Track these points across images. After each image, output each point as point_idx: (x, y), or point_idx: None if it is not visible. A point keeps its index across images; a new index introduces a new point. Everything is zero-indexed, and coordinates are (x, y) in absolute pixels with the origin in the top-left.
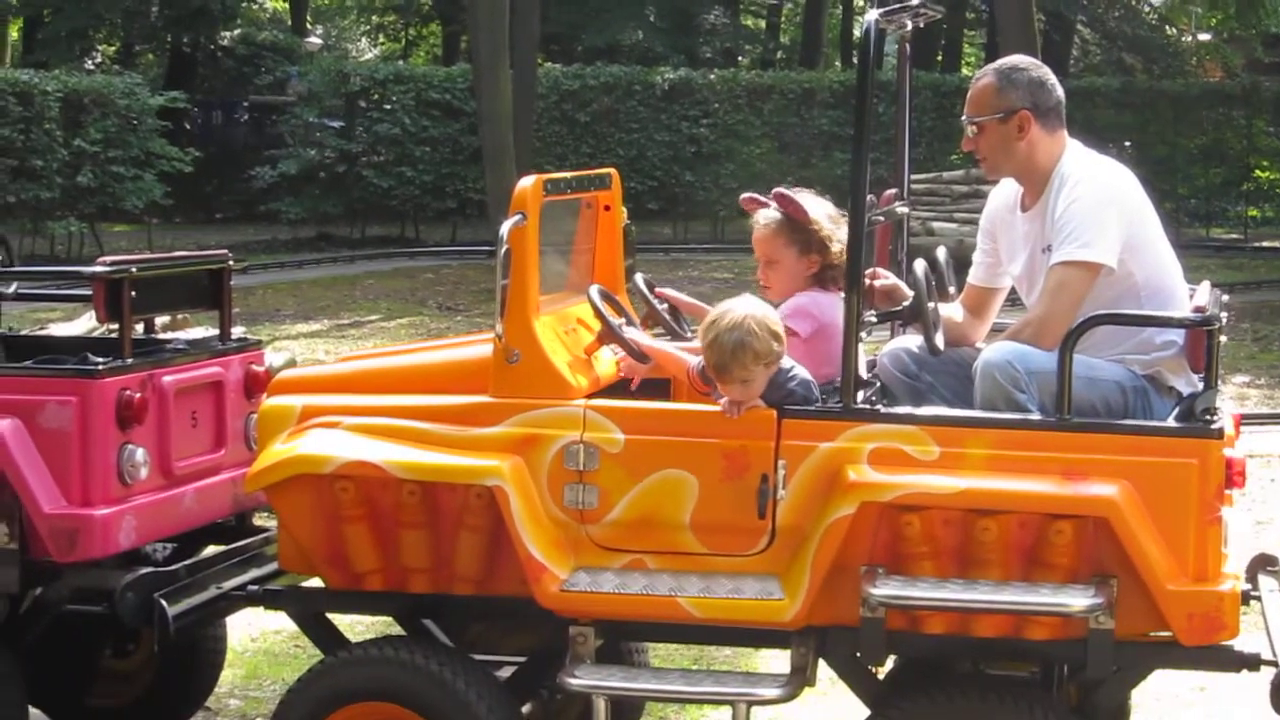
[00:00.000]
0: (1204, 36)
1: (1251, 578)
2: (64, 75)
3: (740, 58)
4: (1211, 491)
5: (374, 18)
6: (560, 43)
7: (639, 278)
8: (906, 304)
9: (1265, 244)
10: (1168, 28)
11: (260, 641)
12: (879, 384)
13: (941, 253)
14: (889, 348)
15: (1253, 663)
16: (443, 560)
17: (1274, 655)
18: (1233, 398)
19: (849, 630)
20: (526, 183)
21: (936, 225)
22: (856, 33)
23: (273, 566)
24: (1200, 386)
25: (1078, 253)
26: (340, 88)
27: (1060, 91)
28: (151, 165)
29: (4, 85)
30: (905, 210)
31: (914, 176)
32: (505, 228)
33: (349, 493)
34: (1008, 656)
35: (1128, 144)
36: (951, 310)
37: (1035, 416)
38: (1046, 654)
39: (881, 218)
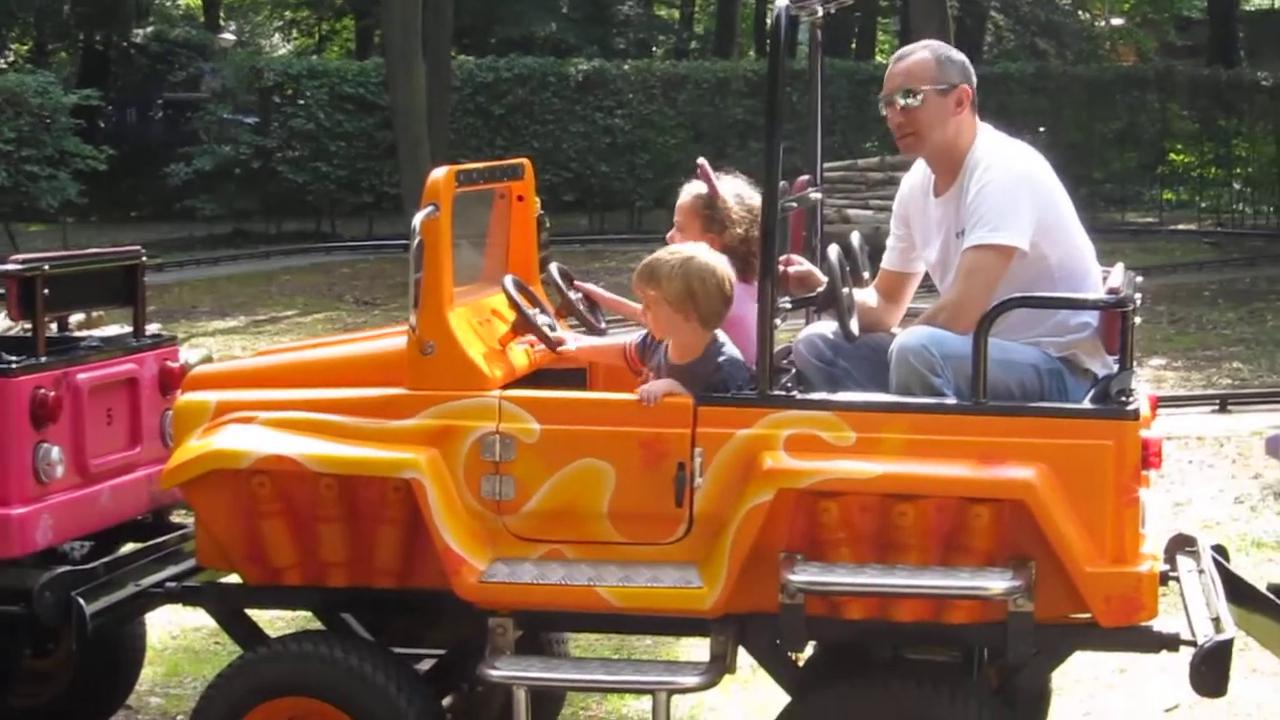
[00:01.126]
0: (1117, 21)
1: (1170, 559)
2: None
3: (654, 48)
4: (1128, 473)
5: (287, 13)
6: (474, 35)
7: (554, 267)
8: (820, 290)
9: (1180, 227)
10: (1081, 12)
11: (180, 639)
12: (794, 370)
13: (856, 238)
14: (804, 334)
15: (1172, 643)
16: (361, 554)
17: (1193, 635)
18: (1149, 380)
19: (768, 617)
20: (439, 174)
21: (852, 212)
22: (769, 22)
23: (191, 563)
24: (1115, 368)
25: (990, 236)
26: (254, 83)
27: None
28: (66, 164)
29: None
30: (819, 197)
31: (828, 164)
32: (418, 219)
33: (265, 488)
34: (928, 641)
35: (1042, 129)
36: (866, 295)
37: (951, 401)
38: (966, 638)
39: (795, 204)
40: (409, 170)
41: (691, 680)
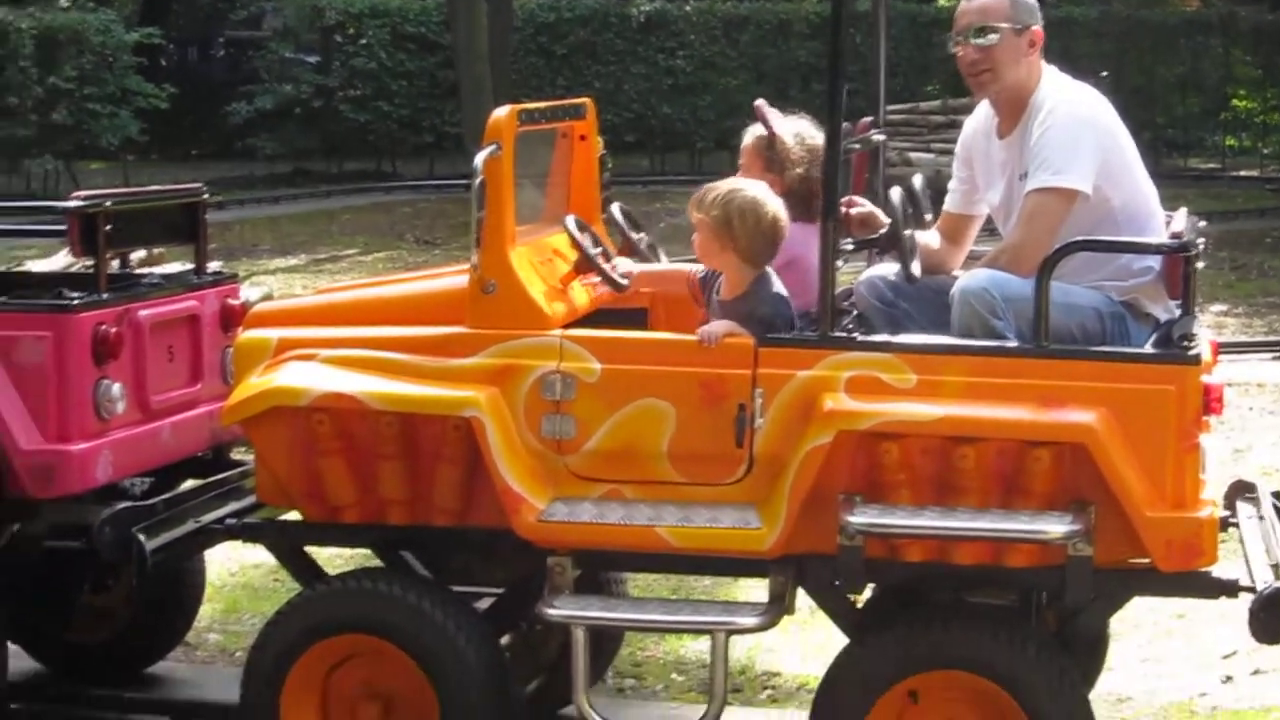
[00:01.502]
0: None
1: (1230, 504)
2: (38, 12)
3: None
4: (1189, 418)
5: None
6: None
7: (616, 207)
8: (882, 231)
9: (1242, 173)
10: None
11: (239, 576)
12: (856, 312)
13: (918, 181)
14: (866, 275)
15: (1231, 589)
16: (420, 492)
17: (1251, 582)
18: (1210, 326)
19: (827, 559)
20: (501, 113)
21: (914, 155)
22: None
23: (251, 500)
24: (1178, 313)
25: (1053, 179)
26: (315, 22)
27: None
28: (127, 102)
29: None
30: (881, 139)
31: (890, 107)
32: (480, 158)
33: (325, 425)
34: (987, 584)
35: (1105, 74)
36: (928, 238)
37: (1012, 344)
38: (1025, 582)
39: (857, 146)
40: (470, 110)
41: (750, 621)
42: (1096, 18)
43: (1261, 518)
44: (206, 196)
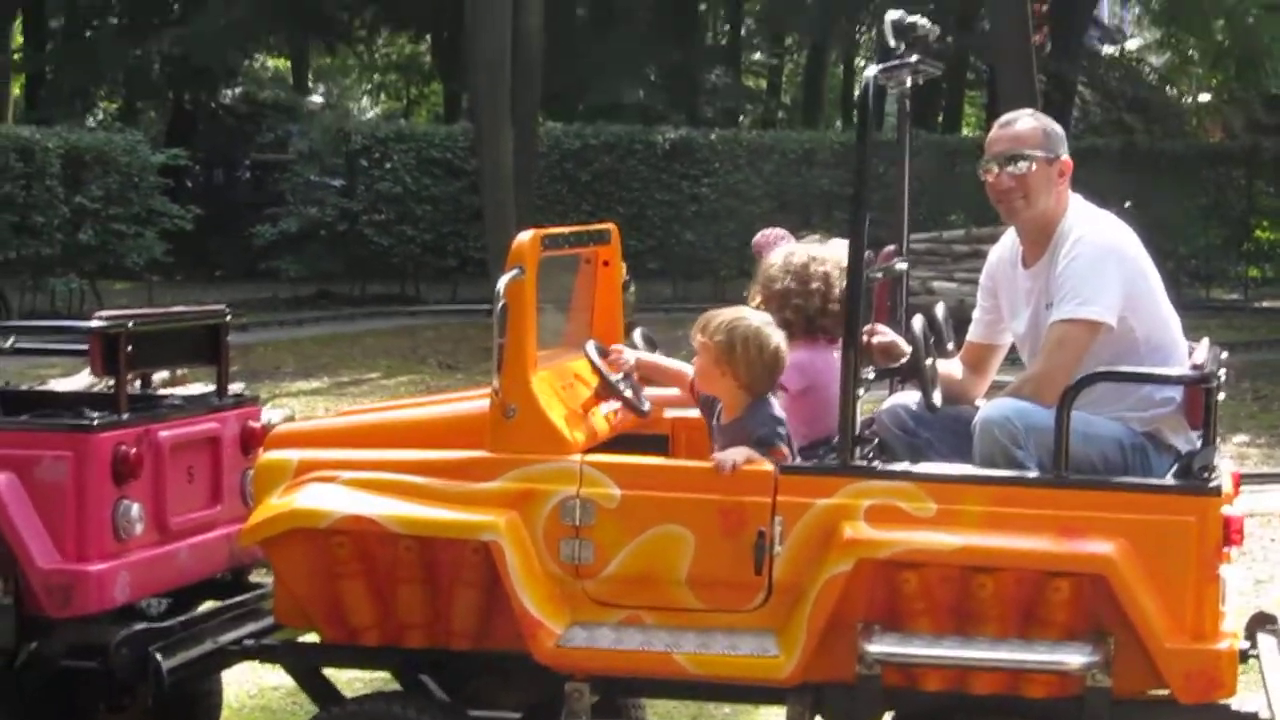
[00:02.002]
0: (1204, 97)
1: (1250, 636)
2: (65, 132)
3: (741, 117)
4: (1210, 549)
5: (375, 76)
6: (561, 101)
7: (638, 333)
8: (904, 360)
9: (1265, 304)
10: (1168, 88)
11: (258, 698)
12: (877, 440)
13: (940, 310)
14: (888, 404)
15: None
16: (439, 615)
17: (1271, 714)
18: (1233, 456)
19: (845, 687)
20: (524, 237)
21: (937, 284)
22: (857, 91)
23: (269, 621)
24: (1199, 444)
25: (1079, 310)
26: (341, 146)
27: None
28: (152, 223)
29: (6, 141)
30: (904, 267)
31: (914, 235)
32: (503, 282)
33: (345, 548)
34: (1005, 714)
35: (1128, 204)
36: (951, 367)
37: (1033, 474)
38: (1044, 712)
39: (880, 274)
40: (495, 234)
41: None
42: (1119, 148)
43: None
44: (229, 318)
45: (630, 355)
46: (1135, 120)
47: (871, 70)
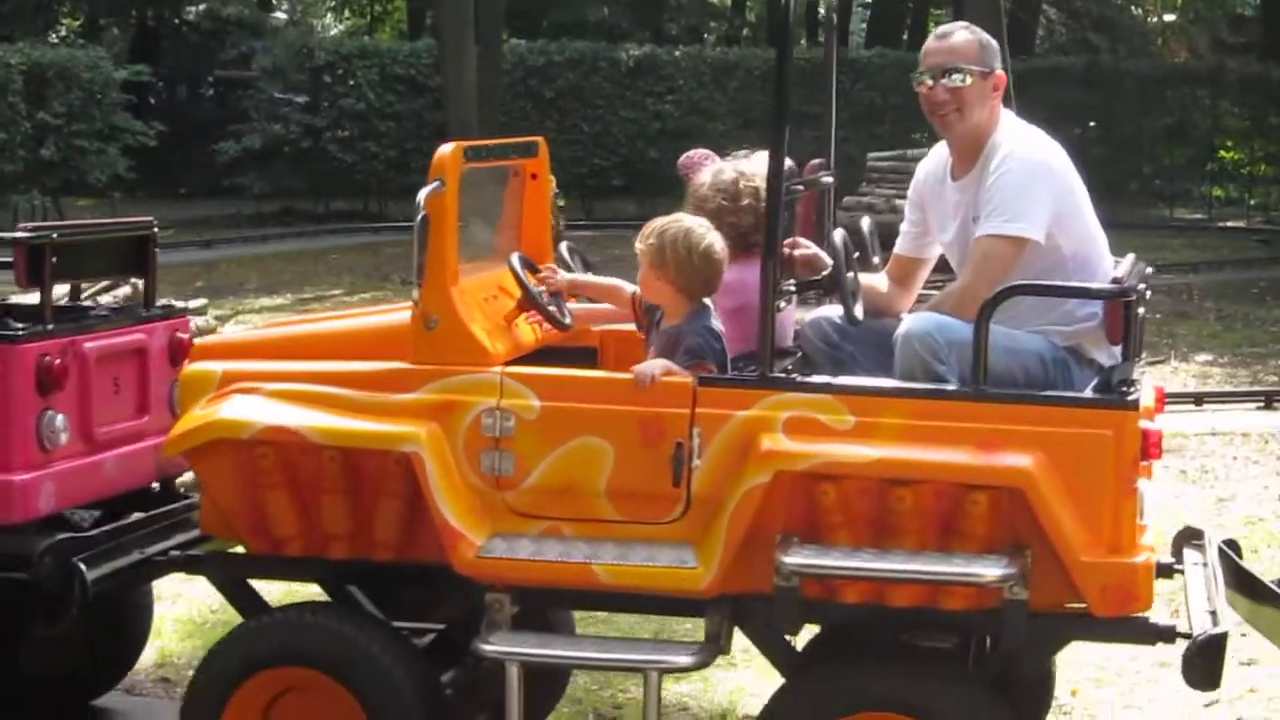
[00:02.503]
0: (1169, 17)
1: (1177, 551)
2: (28, 48)
3: (706, 34)
4: (1127, 463)
5: None
6: (526, 18)
7: (564, 246)
8: (825, 273)
9: (1229, 224)
10: (1134, 8)
11: (187, 609)
12: (800, 353)
13: (866, 223)
14: (811, 317)
15: (1168, 635)
16: (362, 526)
17: (1190, 628)
18: (1196, 375)
19: (764, 599)
20: (446, 149)
21: (899, 202)
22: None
23: (197, 533)
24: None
25: (1004, 226)
26: (305, 62)
27: None
28: (115, 139)
29: None
30: (830, 181)
31: (878, 154)
32: (423, 194)
33: (269, 459)
34: (924, 626)
35: (1093, 124)
36: (877, 280)
37: (951, 387)
38: (962, 624)
39: (801, 187)
40: None
41: (684, 659)
42: (1084, 67)
43: (1206, 565)
44: (156, 231)
45: (563, 275)
46: (1100, 40)
47: None
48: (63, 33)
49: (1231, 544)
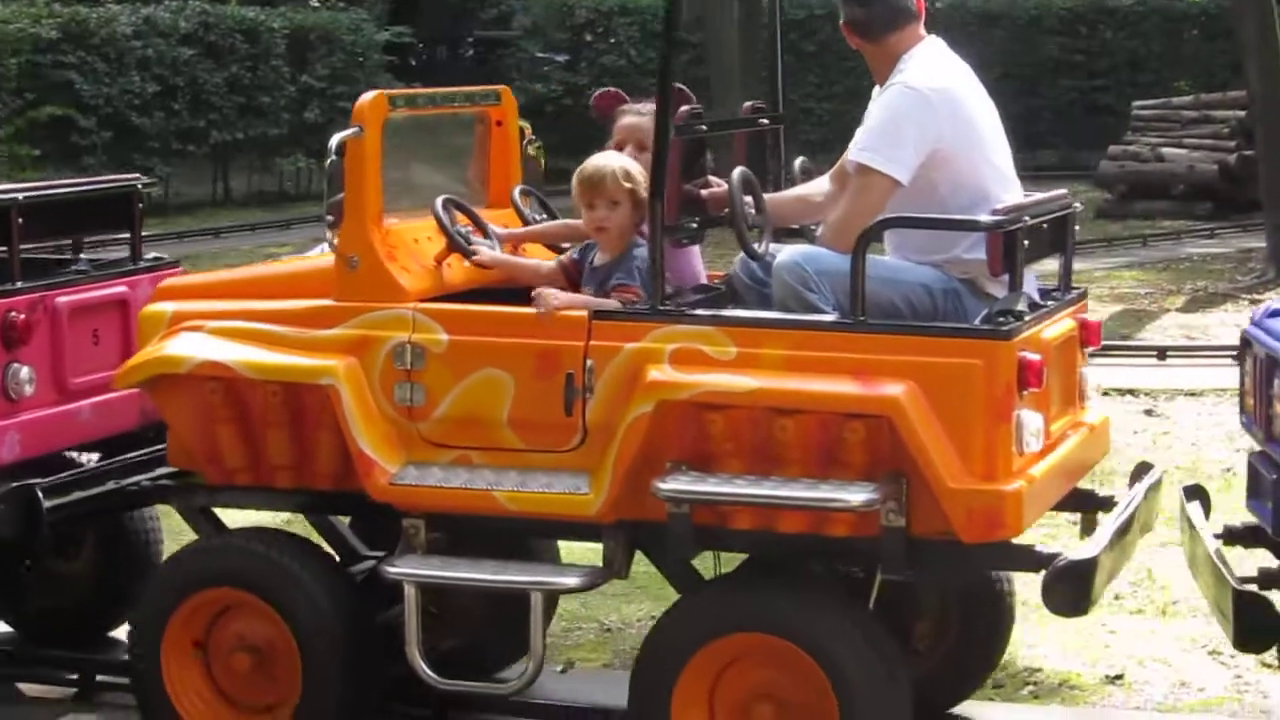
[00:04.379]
0: None
1: (1132, 484)
2: (290, 12)
3: None
4: (999, 392)
5: None
6: None
7: (516, 191)
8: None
9: None
10: None
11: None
12: (726, 289)
13: (799, 163)
14: (741, 255)
15: (1047, 562)
16: (304, 457)
17: (1096, 554)
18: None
19: (660, 526)
20: (366, 97)
21: (1166, 150)
22: None
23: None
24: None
25: (866, 156)
26: (566, 20)
27: None
28: None
29: (231, 23)
30: (765, 123)
31: (1143, 102)
32: (336, 139)
33: (218, 394)
34: (813, 553)
35: None
36: (815, 186)
37: (829, 317)
38: (847, 551)
39: (704, 128)
40: (717, 106)
41: (570, 581)
42: None
43: (1132, 499)
44: (140, 186)
45: (488, 255)
46: None
47: None
48: None
49: (1197, 489)
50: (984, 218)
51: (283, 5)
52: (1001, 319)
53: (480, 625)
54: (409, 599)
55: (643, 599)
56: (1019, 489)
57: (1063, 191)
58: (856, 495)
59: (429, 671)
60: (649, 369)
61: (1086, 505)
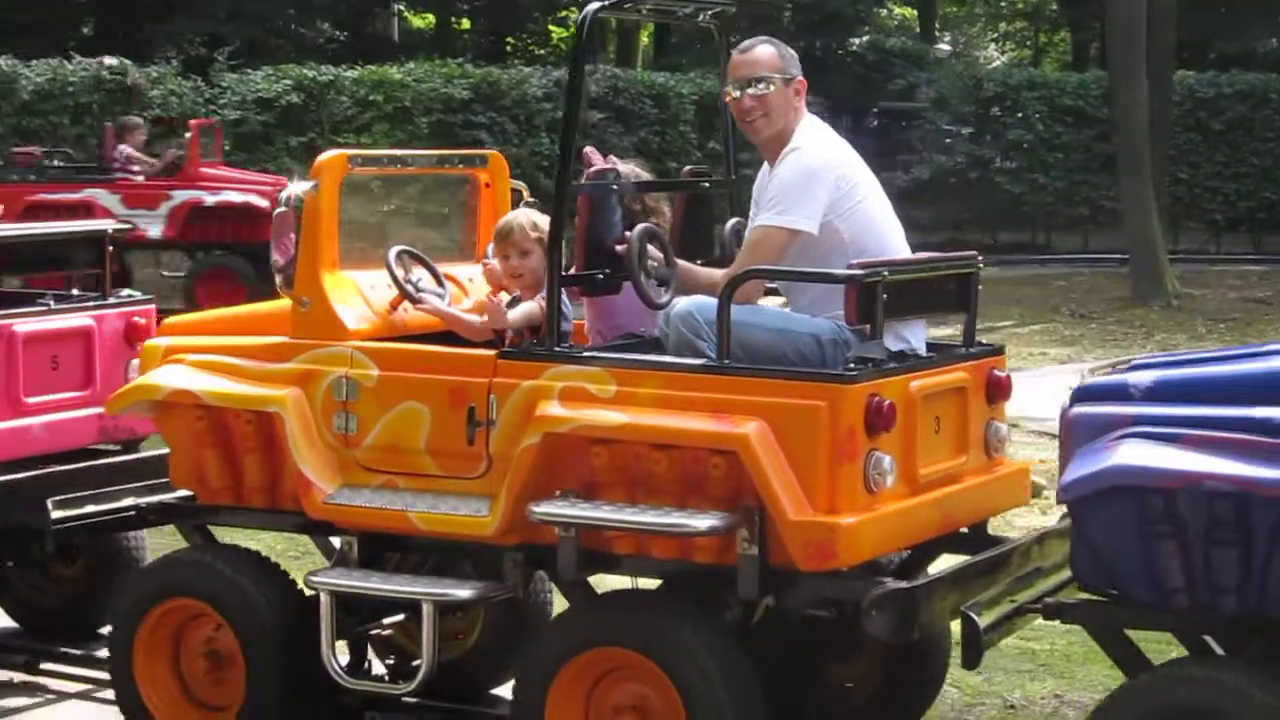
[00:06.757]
0: None
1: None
2: (699, 78)
3: None
4: (842, 432)
5: (1002, 24)
6: (1191, 49)
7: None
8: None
9: None
10: None
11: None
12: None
13: (730, 224)
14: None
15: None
16: (275, 480)
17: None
18: None
19: (553, 548)
20: (325, 156)
21: None
22: None
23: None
24: (909, 341)
25: (774, 218)
26: (973, 94)
27: None
28: None
29: (641, 87)
30: (706, 185)
31: None
32: (284, 193)
33: (204, 420)
34: (684, 577)
35: None
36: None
37: (697, 361)
38: (713, 576)
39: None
40: (1128, 184)
41: (461, 594)
42: None
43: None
44: (112, 230)
45: (429, 304)
46: None
47: (592, 6)
48: None
49: None
50: (839, 271)
51: (692, 71)
52: (853, 366)
53: (479, 642)
54: (323, 605)
55: (1046, 676)
56: (853, 523)
57: (972, 252)
58: (702, 522)
59: (339, 671)
60: (540, 404)
61: (982, 547)
